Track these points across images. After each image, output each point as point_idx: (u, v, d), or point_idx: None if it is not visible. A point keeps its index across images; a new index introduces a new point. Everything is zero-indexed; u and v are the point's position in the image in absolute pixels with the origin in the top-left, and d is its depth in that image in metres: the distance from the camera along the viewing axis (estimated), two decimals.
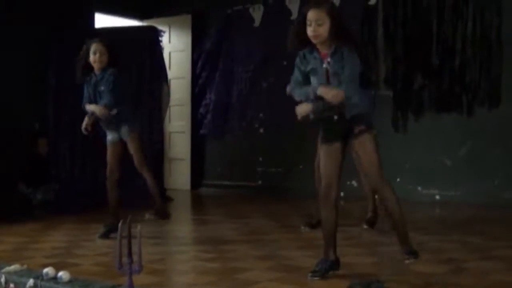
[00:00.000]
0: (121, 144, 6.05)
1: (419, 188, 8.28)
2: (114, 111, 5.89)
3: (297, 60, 4.26)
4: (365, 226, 6.24)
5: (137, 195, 7.50)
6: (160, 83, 9.05)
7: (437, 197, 8.16)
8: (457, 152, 8.04)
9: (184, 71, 10.28)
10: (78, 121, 8.18)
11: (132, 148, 6.04)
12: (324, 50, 4.17)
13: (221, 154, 10.17)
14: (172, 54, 10.36)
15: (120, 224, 3.47)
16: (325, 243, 4.30)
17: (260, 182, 9.76)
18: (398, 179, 8.19)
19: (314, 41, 4.12)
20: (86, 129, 5.98)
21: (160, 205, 6.57)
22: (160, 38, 9.19)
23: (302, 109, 4.21)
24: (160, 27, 9.42)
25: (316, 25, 4.07)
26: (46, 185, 8.16)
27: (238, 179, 9.96)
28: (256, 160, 9.75)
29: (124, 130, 5.99)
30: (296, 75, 4.26)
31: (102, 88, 5.90)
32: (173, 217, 6.95)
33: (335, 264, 4.29)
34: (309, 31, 4.10)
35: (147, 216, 6.70)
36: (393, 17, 8.29)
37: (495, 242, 5.51)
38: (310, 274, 4.20)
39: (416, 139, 8.26)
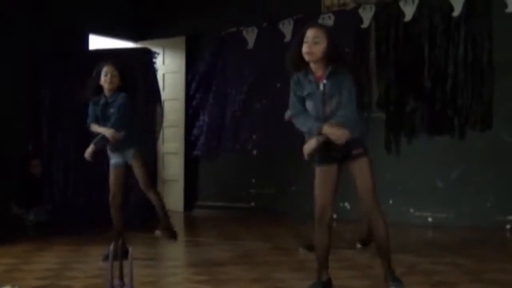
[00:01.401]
0: (125, 168, 5.98)
1: (412, 210, 8.29)
2: (122, 134, 5.84)
3: (292, 84, 4.26)
4: (358, 245, 6.24)
5: (133, 215, 7.54)
6: (153, 105, 9.07)
7: (430, 219, 8.18)
8: (449, 175, 8.07)
9: (177, 93, 10.31)
10: (71, 143, 8.28)
11: (137, 170, 5.94)
12: (318, 72, 4.18)
13: (214, 176, 10.17)
14: (166, 76, 10.40)
15: (111, 247, 3.47)
16: (318, 265, 4.31)
17: (253, 203, 9.76)
18: (390, 201, 8.21)
19: (307, 58, 4.13)
20: (89, 155, 5.90)
21: (166, 225, 6.15)
22: (154, 60, 9.22)
23: (310, 146, 4.13)
24: (154, 49, 9.45)
25: (313, 43, 4.10)
26: (39, 206, 8.13)
27: (231, 201, 9.95)
28: (249, 182, 9.75)
29: (130, 153, 5.91)
30: (294, 100, 4.25)
31: (112, 110, 5.86)
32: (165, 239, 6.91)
33: (327, 285, 4.30)
34: (304, 47, 4.12)
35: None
36: (385, 40, 8.35)
37: (487, 265, 5.52)
38: None
39: (408, 161, 8.28)
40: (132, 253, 3.63)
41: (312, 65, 4.18)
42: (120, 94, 5.90)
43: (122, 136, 5.85)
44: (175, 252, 6.86)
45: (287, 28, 9.15)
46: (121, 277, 3.48)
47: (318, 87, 4.16)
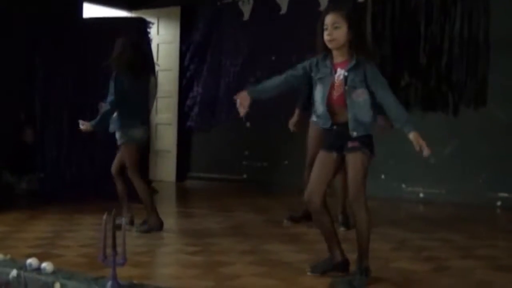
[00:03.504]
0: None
1: (404, 186, 8.32)
2: (101, 106, 5.84)
3: (309, 62, 4.12)
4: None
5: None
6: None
7: (421, 195, 8.21)
8: (442, 151, 8.08)
9: (172, 63, 10.26)
10: (64, 112, 8.25)
11: (121, 155, 5.94)
12: (338, 59, 4.02)
13: (207, 147, 10.17)
14: (160, 46, 10.33)
15: (104, 216, 3.47)
16: (327, 245, 4.25)
17: (245, 176, 9.78)
18: (382, 176, 8.24)
19: (329, 46, 3.97)
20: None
21: (149, 216, 5.94)
22: (148, 30, 9.16)
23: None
24: (148, 19, 9.38)
25: (332, 29, 3.92)
26: (31, 174, 8.13)
27: (224, 172, 9.97)
28: (242, 154, 9.76)
29: (117, 136, 5.90)
30: (299, 69, 4.14)
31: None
32: (158, 209, 6.91)
33: (341, 265, 4.20)
34: (325, 35, 3.96)
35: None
36: (381, 15, 8.32)
37: (477, 241, 5.56)
38: (309, 269, 4.21)
39: (401, 136, 8.25)
40: (125, 223, 3.64)
41: (334, 52, 4.01)
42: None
43: (101, 108, 5.82)
44: (167, 223, 6.84)
45: (283, 0, 9.10)
46: (114, 246, 3.48)
47: (331, 74, 4.02)
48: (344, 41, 3.96)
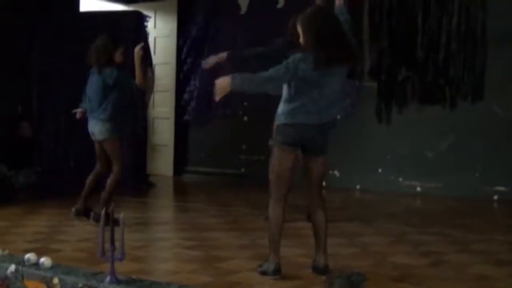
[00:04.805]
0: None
1: (400, 179, 8.33)
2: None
3: None
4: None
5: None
6: (144, 69, 9.00)
7: (418, 188, 8.22)
8: (439, 145, 8.10)
9: (169, 57, 10.22)
10: (61, 105, 8.24)
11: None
12: None
13: (204, 141, 10.15)
14: (157, 40, 10.29)
15: (102, 211, 3.48)
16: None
17: (243, 170, 9.77)
18: (380, 170, 8.24)
19: None
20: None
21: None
22: (145, 23, 9.14)
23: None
24: (145, 12, 9.37)
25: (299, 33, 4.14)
26: (28, 168, 8.11)
27: (221, 167, 9.96)
28: (239, 148, 9.75)
29: None
30: None
31: None
32: (156, 204, 6.96)
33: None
34: None
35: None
36: (379, 8, 8.32)
37: (474, 235, 5.58)
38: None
39: (399, 130, 8.30)
40: (123, 218, 3.64)
41: None
42: None
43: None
44: (165, 217, 6.88)
45: None
46: (112, 241, 3.48)
47: None
48: (303, 44, 4.11)
